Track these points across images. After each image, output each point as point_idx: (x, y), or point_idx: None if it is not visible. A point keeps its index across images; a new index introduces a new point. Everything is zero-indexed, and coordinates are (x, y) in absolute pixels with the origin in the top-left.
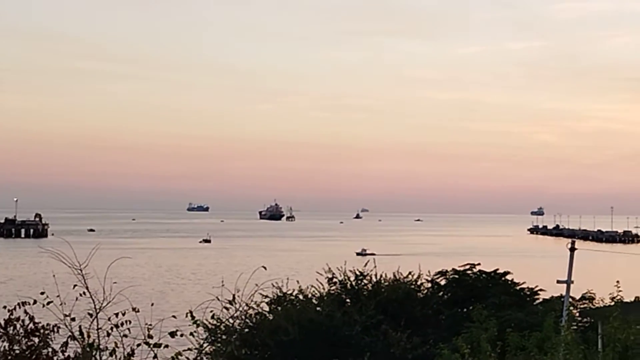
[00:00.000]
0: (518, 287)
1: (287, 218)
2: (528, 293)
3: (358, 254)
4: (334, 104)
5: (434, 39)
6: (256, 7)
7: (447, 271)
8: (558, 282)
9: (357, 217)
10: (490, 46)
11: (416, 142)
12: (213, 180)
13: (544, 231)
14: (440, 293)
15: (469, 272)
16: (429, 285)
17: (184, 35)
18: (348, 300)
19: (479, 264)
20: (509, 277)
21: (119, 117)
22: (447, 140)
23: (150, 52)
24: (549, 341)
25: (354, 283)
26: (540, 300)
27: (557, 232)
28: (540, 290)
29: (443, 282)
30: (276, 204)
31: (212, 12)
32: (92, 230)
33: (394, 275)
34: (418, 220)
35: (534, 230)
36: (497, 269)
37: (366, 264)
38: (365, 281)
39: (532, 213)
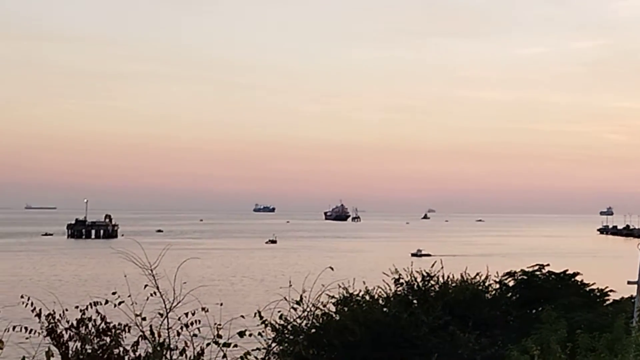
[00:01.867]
0: (588, 288)
1: (353, 219)
2: (598, 294)
3: (413, 254)
4: (395, 104)
5: (493, 40)
6: (300, 6)
7: (515, 272)
8: (629, 283)
9: (425, 217)
10: (551, 47)
11: (479, 142)
12: (279, 181)
13: (614, 231)
14: (509, 294)
15: (537, 273)
16: (497, 286)
17: (240, 35)
18: (415, 301)
19: (547, 265)
20: (578, 278)
21: (184, 119)
22: (510, 141)
23: (210, 54)
24: (620, 342)
25: (420, 284)
26: (611, 301)
27: (628, 232)
28: (611, 291)
29: (511, 283)
30: (342, 205)
31: (257, 12)
32: (160, 231)
33: (462, 276)
34: (480, 220)
35: (604, 230)
36: (567, 270)
37: (433, 264)
38: (432, 282)
39: (601, 213)
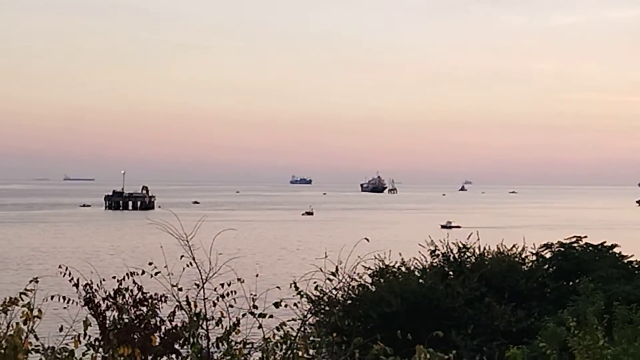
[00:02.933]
0: (626, 260)
1: (390, 191)
2: (636, 266)
3: (443, 226)
4: (432, 76)
5: (532, 9)
6: None
7: (552, 244)
8: None
9: (462, 189)
10: (588, 15)
11: (516, 113)
12: (316, 153)
13: None
14: (546, 266)
15: (575, 244)
16: (534, 258)
17: (289, 7)
18: (451, 272)
19: (585, 237)
20: (616, 250)
21: (219, 91)
22: (545, 112)
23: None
24: None
25: (457, 255)
26: None
27: None
28: None
29: (548, 255)
30: (378, 177)
31: None
32: (196, 202)
33: (498, 248)
34: (513, 192)
35: None
36: (604, 242)
37: (469, 236)
38: (468, 254)
39: None
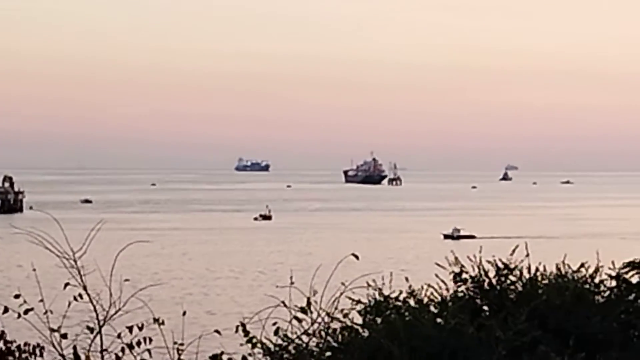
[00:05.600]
0: None
1: (390, 181)
2: None
3: (447, 236)
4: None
5: None
6: None
7: None
8: None
9: (505, 178)
10: None
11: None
12: (276, 124)
13: None
14: (632, 296)
15: None
16: (613, 283)
17: None
18: (485, 307)
19: None
20: None
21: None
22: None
23: None
24: None
25: (494, 281)
26: None
27: None
28: None
29: (636, 280)
30: (373, 160)
31: None
32: (88, 201)
33: (557, 269)
34: (567, 182)
35: None
36: None
37: (513, 251)
38: (512, 278)
39: None
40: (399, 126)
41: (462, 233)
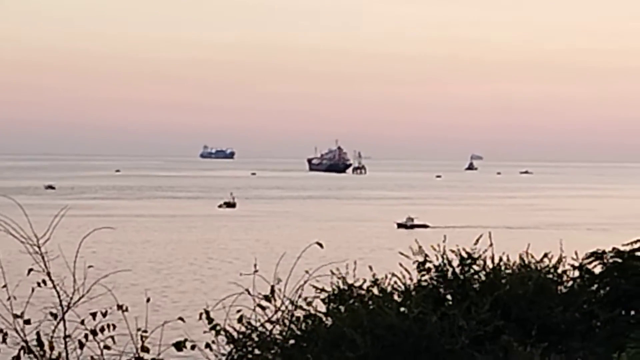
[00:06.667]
0: None
1: (355, 169)
2: None
3: (400, 225)
4: None
5: None
6: None
7: (604, 252)
8: None
9: (470, 167)
10: None
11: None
12: (240, 111)
13: None
14: (594, 286)
15: (639, 253)
16: (576, 274)
17: None
18: (449, 296)
19: None
20: None
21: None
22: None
23: None
24: None
25: (457, 270)
26: None
27: None
28: None
29: (598, 270)
30: (338, 148)
31: None
32: (51, 187)
33: (521, 259)
34: (525, 172)
35: None
36: None
37: (477, 240)
38: (475, 267)
39: None
40: (364, 115)
41: (415, 222)
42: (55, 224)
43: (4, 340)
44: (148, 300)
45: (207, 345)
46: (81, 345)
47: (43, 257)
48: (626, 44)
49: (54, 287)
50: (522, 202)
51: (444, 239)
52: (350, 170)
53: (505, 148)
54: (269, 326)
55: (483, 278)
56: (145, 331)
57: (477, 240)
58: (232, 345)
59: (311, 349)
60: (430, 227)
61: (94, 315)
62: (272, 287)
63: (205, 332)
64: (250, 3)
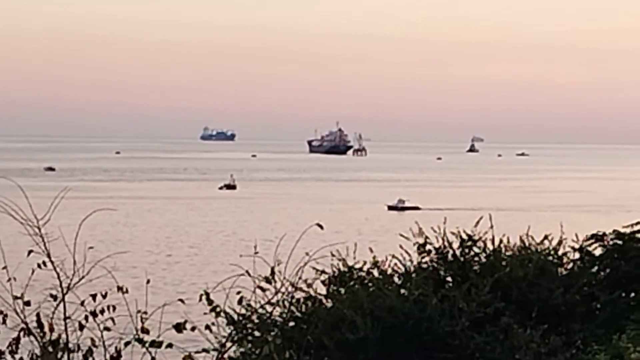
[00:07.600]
0: None
1: (355, 151)
2: None
3: (391, 207)
4: None
5: None
6: None
7: (604, 234)
8: None
9: (472, 149)
10: None
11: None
12: (241, 93)
13: None
14: (594, 269)
15: (639, 235)
16: (576, 256)
17: None
18: (449, 278)
19: None
20: None
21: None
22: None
23: None
24: None
25: (458, 252)
26: None
27: None
28: None
29: (598, 252)
30: (339, 130)
31: None
32: (51, 169)
33: (521, 241)
34: (522, 154)
35: None
36: None
37: (477, 222)
38: (476, 249)
39: None
40: (365, 99)
41: (406, 204)
42: (56, 205)
43: (4, 322)
44: (148, 281)
45: (207, 327)
46: (81, 327)
47: (43, 239)
48: (624, 25)
49: (54, 268)
50: (522, 184)
51: (444, 221)
52: (350, 152)
53: (507, 130)
54: (269, 308)
55: (483, 260)
56: (145, 313)
57: (478, 223)
58: (232, 327)
59: (311, 330)
60: (421, 209)
61: (94, 296)
62: (272, 268)
63: (205, 313)
64: None
